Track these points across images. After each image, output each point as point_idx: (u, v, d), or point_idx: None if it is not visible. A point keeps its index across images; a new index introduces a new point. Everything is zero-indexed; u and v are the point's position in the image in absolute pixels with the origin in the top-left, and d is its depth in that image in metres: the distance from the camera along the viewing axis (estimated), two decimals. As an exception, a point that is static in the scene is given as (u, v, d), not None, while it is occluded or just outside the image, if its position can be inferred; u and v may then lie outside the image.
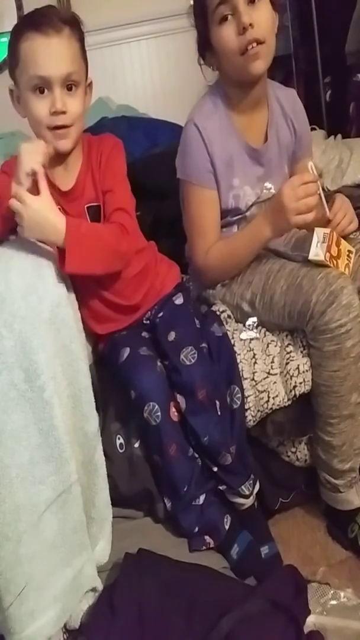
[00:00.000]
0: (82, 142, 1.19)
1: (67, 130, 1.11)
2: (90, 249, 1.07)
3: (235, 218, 1.35)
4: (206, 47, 1.25)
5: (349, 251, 1.20)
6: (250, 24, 1.15)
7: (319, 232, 1.15)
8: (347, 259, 1.19)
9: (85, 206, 1.18)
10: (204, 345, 1.22)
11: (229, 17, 1.17)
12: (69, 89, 1.10)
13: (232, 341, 1.26)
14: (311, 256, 1.15)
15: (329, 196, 1.26)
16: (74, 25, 1.11)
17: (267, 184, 1.34)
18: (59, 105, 1.08)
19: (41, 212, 1.02)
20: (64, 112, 1.09)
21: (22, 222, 1.03)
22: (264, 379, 1.22)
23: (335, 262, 1.16)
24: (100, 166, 1.18)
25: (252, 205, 1.34)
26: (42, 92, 1.08)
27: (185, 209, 1.34)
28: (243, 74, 1.22)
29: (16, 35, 1.09)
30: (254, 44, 1.16)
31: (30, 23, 1.08)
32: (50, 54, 1.07)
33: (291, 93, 1.38)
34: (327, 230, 1.16)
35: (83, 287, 1.19)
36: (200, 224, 1.31)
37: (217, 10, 1.17)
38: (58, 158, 1.15)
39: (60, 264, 1.05)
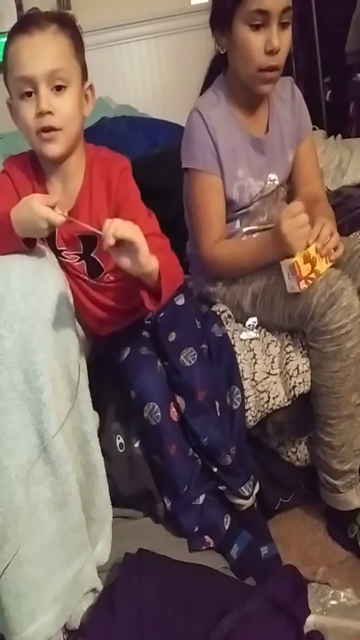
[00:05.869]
0: (84, 159, 1.13)
1: (54, 133, 1.03)
2: (173, 283, 1.02)
3: (238, 212, 1.35)
4: (222, 27, 1.23)
5: (316, 249, 1.14)
6: (278, 49, 1.16)
7: (284, 265, 1.13)
8: (324, 258, 1.15)
9: (77, 235, 1.11)
10: (204, 346, 1.22)
11: (260, 27, 1.16)
12: (58, 89, 1.02)
13: (233, 341, 1.26)
14: (289, 290, 1.15)
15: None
16: (63, 22, 1.05)
17: (271, 175, 1.35)
18: (43, 105, 1.00)
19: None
20: (50, 113, 1.01)
21: (141, 253, 0.89)
22: (264, 379, 1.22)
23: (315, 274, 1.13)
24: (111, 193, 1.11)
25: (256, 200, 1.34)
26: (29, 95, 1.02)
27: (190, 199, 1.33)
28: (250, 84, 1.24)
29: (7, 42, 1.04)
30: (272, 70, 1.19)
31: (17, 27, 1.03)
32: (32, 51, 1.00)
33: (288, 80, 1.38)
34: (292, 260, 1.12)
35: (81, 292, 1.18)
36: (206, 212, 1.30)
37: (252, 15, 1.16)
38: (57, 173, 1.10)
39: (149, 303, 0.97)
